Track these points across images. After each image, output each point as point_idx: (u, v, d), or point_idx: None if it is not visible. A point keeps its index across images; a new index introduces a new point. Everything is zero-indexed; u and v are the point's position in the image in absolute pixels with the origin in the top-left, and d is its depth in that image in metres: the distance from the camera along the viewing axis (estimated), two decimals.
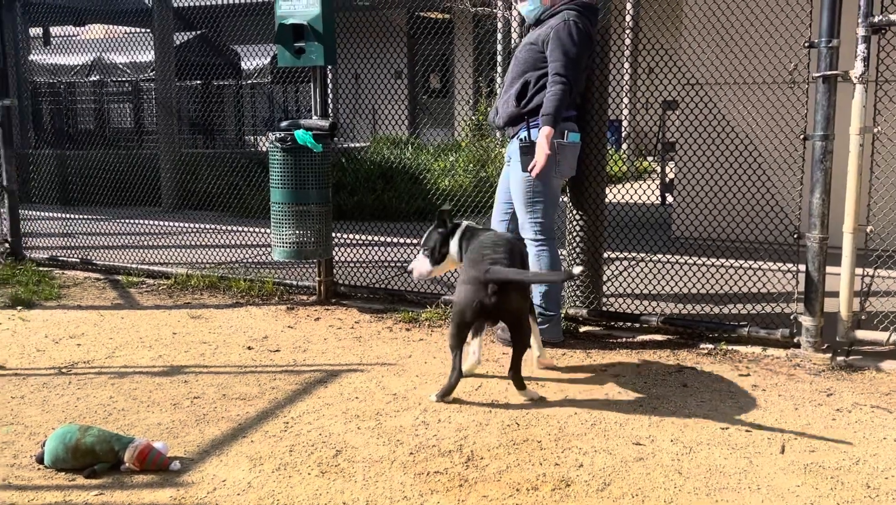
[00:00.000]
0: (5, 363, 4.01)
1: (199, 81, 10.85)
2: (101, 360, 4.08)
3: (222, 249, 6.61)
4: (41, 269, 6.20)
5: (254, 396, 3.55)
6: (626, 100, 12.53)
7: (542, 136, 3.92)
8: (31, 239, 6.71)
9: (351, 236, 6.95)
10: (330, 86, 5.32)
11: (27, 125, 9.74)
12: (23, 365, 4.01)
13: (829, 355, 3.93)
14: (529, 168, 3.98)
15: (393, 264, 6.15)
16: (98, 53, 12.20)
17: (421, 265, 3.91)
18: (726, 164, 4.45)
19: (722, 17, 4.43)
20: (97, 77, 12.24)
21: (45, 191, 8.00)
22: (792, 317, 4.11)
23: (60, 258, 6.34)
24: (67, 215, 7.99)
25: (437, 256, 3.85)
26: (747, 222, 4.54)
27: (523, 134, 4.05)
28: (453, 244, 3.80)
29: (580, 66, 4.02)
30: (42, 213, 7.59)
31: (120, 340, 4.41)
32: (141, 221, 7.07)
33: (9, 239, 6.42)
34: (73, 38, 13.95)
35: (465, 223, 3.81)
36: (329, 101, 5.22)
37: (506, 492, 2.66)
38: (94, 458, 2.81)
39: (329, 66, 5.09)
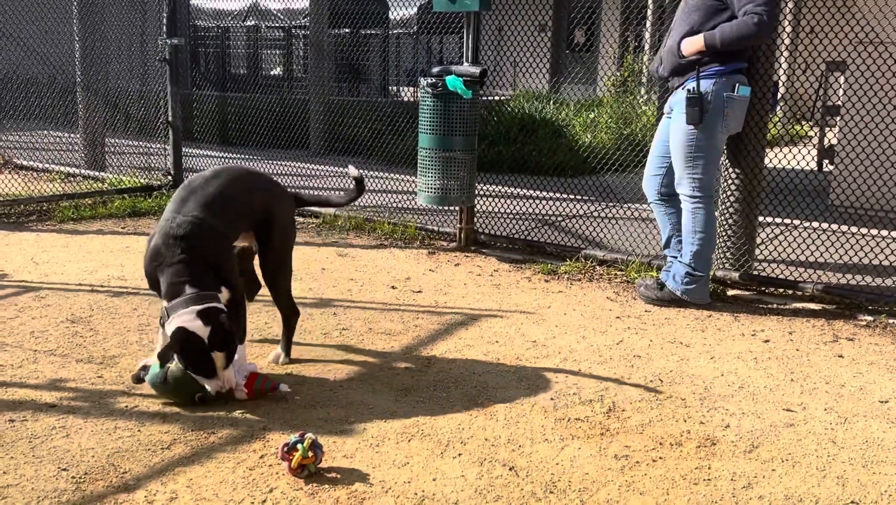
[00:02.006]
0: None
1: (347, 30, 11.07)
2: None
3: (367, 194, 6.74)
4: None
5: (398, 332, 3.66)
6: (783, 60, 11.83)
7: (697, 37, 3.80)
8: (190, 174, 7.10)
9: (489, 187, 6.97)
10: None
11: (189, 66, 10.26)
12: None
13: None
14: (687, 52, 3.87)
15: (532, 217, 6.13)
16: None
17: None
18: None
19: None
20: (252, 22, 12.70)
21: (205, 129, 8.42)
22: None
23: None
24: (224, 154, 8.41)
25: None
26: None
27: (691, 84, 3.85)
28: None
29: (775, 10, 3.79)
30: (200, 151, 8.02)
31: None
32: (290, 163, 7.36)
33: (171, 172, 6.82)
34: None
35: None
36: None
37: (648, 444, 2.63)
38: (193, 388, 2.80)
39: (483, 12, 5.07)
